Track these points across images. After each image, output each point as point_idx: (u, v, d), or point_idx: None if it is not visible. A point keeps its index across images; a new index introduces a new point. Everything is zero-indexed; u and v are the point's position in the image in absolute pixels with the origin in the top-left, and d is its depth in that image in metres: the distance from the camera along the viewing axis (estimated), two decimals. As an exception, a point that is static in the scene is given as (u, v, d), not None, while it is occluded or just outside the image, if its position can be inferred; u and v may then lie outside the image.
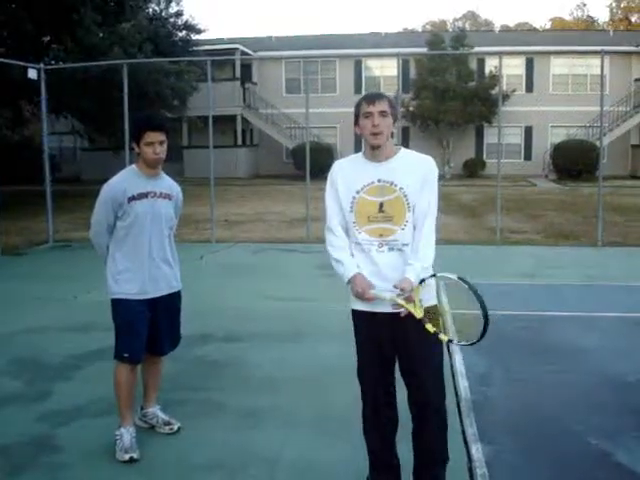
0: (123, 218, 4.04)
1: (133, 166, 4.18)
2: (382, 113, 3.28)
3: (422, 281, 3.24)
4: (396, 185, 3.31)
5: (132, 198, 4.02)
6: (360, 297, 3.32)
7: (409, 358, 3.38)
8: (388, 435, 3.52)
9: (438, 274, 3.29)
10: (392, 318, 3.29)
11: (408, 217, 3.31)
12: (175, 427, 4.33)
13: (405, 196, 3.30)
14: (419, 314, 3.20)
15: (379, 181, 3.32)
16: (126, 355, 4.07)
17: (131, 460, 3.93)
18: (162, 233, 4.15)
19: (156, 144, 4.00)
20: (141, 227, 4.05)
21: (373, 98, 3.33)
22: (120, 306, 4.08)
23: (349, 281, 3.35)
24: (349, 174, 3.41)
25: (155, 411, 4.40)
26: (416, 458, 3.52)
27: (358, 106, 3.36)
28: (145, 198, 4.06)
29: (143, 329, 4.09)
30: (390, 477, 3.53)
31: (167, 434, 4.29)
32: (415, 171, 3.34)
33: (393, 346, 3.37)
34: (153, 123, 4.08)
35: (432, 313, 3.30)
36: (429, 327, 3.20)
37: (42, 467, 3.88)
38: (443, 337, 3.23)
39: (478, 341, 3.19)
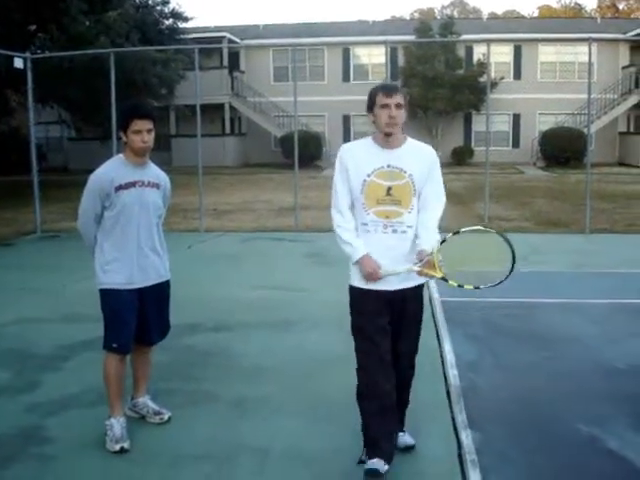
0: (110, 208, 4.01)
1: (120, 155, 4.14)
2: (398, 105, 3.50)
3: (443, 242, 3.50)
4: (405, 172, 3.55)
5: (119, 187, 3.99)
6: (370, 278, 3.53)
7: (400, 332, 3.65)
8: (388, 398, 3.56)
9: (461, 230, 3.56)
10: (392, 295, 3.58)
11: (414, 202, 3.58)
12: (165, 417, 4.32)
13: (413, 182, 3.56)
14: (440, 274, 3.46)
15: (388, 166, 3.55)
16: (115, 345, 4.05)
17: (122, 450, 3.92)
18: (150, 222, 4.12)
19: (144, 132, 3.96)
20: (129, 217, 4.02)
21: (390, 91, 3.54)
22: (108, 296, 4.06)
23: (357, 262, 3.57)
24: (360, 157, 3.61)
25: (145, 401, 4.38)
26: None
27: (374, 96, 3.55)
28: (133, 187, 4.02)
29: (132, 319, 4.07)
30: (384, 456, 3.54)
31: (157, 424, 4.28)
32: (422, 160, 3.61)
33: (389, 319, 3.60)
34: (141, 111, 4.04)
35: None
36: (452, 282, 3.50)
37: (32, 458, 3.86)
38: (468, 286, 3.53)
39: (507, 278, 3.49)
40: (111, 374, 4.08)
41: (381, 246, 3.55)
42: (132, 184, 4.02)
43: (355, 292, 3.66)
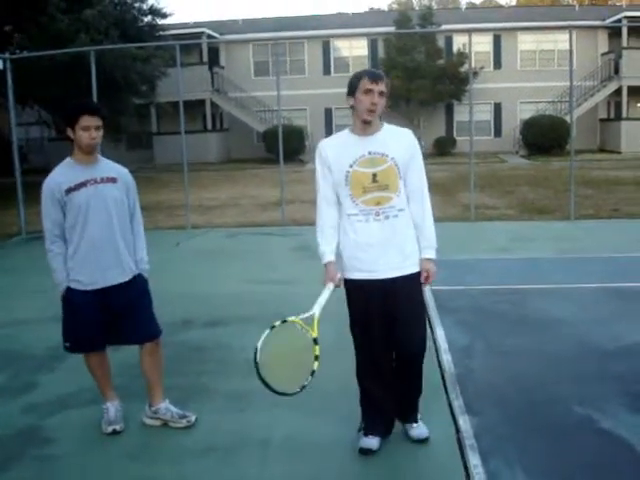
0: (67, 211, 3.98)
1: (68, 158, 4.09)
2: (381, 93, 3.50)
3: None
4: (387, 155, 3.55)
5: (69, 190, 3.94)
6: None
7: (398, 318, 3.65)
8: (386, 379, 3.77)
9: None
10: (382, 283, 3.60)
11: (400, 184, 3.58)
12: (192, 418, 4.18)
13: (396, 165, 3.55)
14: (314, 333, 3.48)
15: (369, 153, 3.54)
16: (67, 345, 4.10)
17: (114, 432, 4.00)
18: (110, 219, 4.02)
19: (92, 129, 3.92)
20: (85, 217, 3.96)
21: (376, 77, 3.50)
22: (66, 296, 4.05)
23: (325, 264, 3.69)
24: (339, 150, 3.60)
25: (167, 406, 4.23)
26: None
27: (358, 79, 3.52)
28: (84, 187, 3.96)
29: (88, 321, 4.00)
30: (385, 420, 3.80)
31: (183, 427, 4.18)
32: (402, 142, 3.63)
33: (385, 306, 3.63)
34: (89, 107, 4.03)
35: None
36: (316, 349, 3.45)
37: (32, 459, 3.86)
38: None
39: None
40: (90, 366, 4.19)
41: (373, 235, 3.56)
42: (83, 184, 3.96)
43: (347, 283, 3.73)
